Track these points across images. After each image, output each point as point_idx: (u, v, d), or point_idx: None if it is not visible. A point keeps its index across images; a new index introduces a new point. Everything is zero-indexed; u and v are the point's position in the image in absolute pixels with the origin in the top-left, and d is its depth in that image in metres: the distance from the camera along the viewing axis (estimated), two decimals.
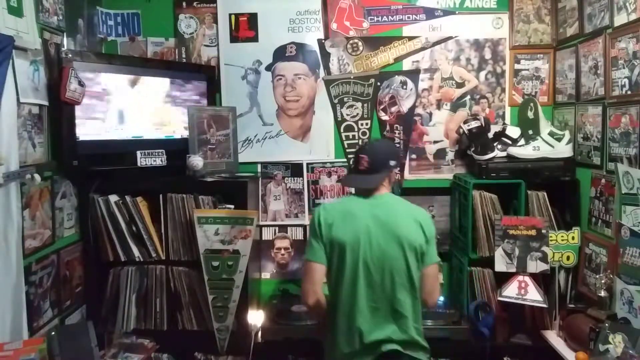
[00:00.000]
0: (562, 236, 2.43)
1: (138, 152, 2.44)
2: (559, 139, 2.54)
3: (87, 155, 2.28)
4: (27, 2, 1.96)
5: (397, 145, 2.82)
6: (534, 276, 2.38)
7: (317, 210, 1.94)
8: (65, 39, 2.35)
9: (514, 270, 2.40)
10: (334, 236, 1.86)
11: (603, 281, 2.16)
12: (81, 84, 2.19)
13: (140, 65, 2.59)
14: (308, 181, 2.90)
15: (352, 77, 2.81)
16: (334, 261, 1.87)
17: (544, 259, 2.37)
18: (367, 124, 2.84)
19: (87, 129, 2.30)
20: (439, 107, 2.86)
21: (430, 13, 2.77)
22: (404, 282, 1.84)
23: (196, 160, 2.47)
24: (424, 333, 1.94)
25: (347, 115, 2.84)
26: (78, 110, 2.24)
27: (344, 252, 1.84)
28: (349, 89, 2.82)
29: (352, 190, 2.38)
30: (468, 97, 2.84)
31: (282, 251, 2.92)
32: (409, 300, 1.85)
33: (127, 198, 2.45)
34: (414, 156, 2.88)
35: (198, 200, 2.46)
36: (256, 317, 2.43)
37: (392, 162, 1.99)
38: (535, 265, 2.38)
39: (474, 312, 2.45)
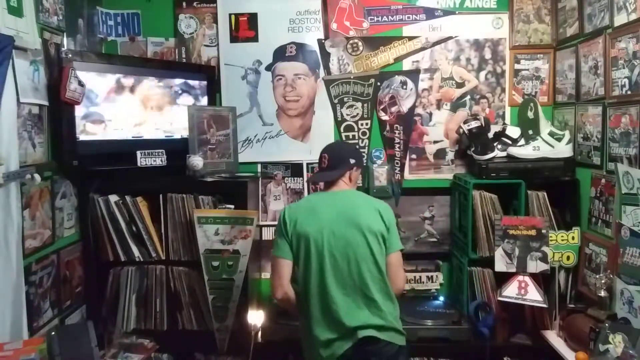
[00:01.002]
0: (562, 236, 2.43)
1: (138, 152, 2.44)
2: (559, 139, 2.54)
3: (87, 155, 2.28)
4: (27, 2, 1.96)
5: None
6: (534, 276, 2.38)
7: (282, 210, 2.05)
8: (65, 39, 2.35)
9: (514, 270, 2.40)
10: (299, 231, 1.95)
11: (603, 281, 2.15)
12: (81, 84, 2.19)
13: (140, 65, 2.59)
14: (308, 181, 2.89)
15: (352, 77, 2.81)
16: (301, 254, 1.95)
17: (544, 259, 2.37)
18: (367, 124, 2.84)
19: (87, 129, 2.30)
20: (439, 107, 2.86)
21: (430, 13, 2.77)
22: (371, 269, 1.92)
23: (196, 160, 2.47)
24: (402, 325, 1.99)
25: (347, 115, 2.84)
26: (78, 110, 2.24)
27: (309, 244, 1.93)
28: (349, 89, 2.82)
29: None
30: (468, 97, 2.84)
31: None
32: (378, 286, 1.92)
33: (127, 198, 2.45)
34: (414, 156, 2.88)
35: (198, 200, 2.46)
36: (256, 317, 2.42)
37: (352, 160, 2.10)
38: (535, 265, 2.37)
39: (474, 312, 2.45)
